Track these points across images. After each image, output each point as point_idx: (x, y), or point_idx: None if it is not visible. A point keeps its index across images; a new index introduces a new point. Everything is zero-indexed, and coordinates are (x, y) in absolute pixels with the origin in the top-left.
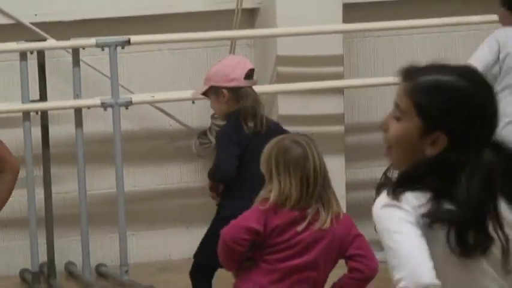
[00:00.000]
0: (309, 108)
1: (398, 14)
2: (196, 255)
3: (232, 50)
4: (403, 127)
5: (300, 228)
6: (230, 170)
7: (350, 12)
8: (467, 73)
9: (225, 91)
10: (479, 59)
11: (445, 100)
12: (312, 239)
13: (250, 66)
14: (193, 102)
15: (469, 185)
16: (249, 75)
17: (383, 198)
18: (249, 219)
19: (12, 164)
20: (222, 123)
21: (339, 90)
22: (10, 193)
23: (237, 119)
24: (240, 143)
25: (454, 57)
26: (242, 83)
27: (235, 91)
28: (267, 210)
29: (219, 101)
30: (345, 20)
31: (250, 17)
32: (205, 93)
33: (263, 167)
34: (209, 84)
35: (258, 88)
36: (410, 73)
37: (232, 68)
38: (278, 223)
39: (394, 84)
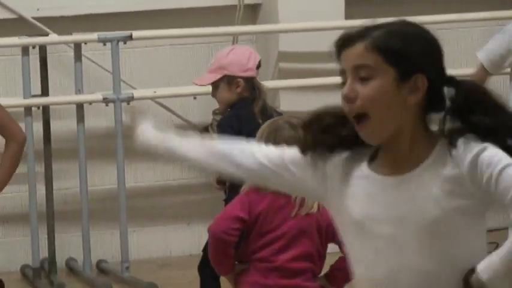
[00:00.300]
0: (310, 105)
1: (400, 10)
2: (205, 249)
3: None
4: (376, 84)
5: (293, 212)
6: None
7: (352, 8)
8: (411, 22)
9: (240, 81)
10: (487, 52)
11: (414, 41)
12: (301, 224)
13: (259, 57)
14: (194, 98)
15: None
16: (258, 66)
17: (491, 147)
18: (234, 208)
19: (16, 133)
20: None
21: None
22: (16, 164)
23: (241, 108)
24: (242, 132)
25: (458, 54)
26: (255, 73)
27: (249, 81)
28: (250, 196)
29: (231, 90)
30: (347, 16)
31: (252, 12)
32: (214, 82)
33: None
34: (223, 73)
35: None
36: (359, 34)
37: (247, 58)
38: (262, 208)
39: None
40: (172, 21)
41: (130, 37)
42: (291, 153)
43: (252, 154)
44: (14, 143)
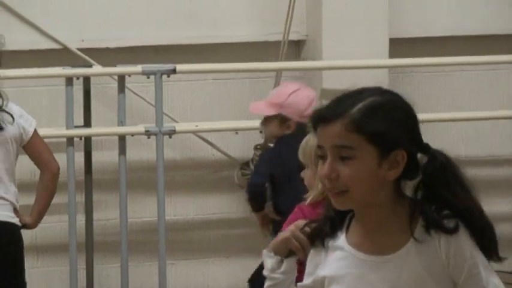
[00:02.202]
0: None
1: (443, 50)
2: (250, 280)
3: (277, 82)
4: (358, 164)
5: None
6: None
7: (397, 47)
8: (383, 90)
9: (292, 123)
10: None
11: (392, 117)
12: None
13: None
14: (236, 133)
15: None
16: None
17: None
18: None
19: (50, 163)
20: None
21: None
22: (51, 195)
23: (283, 144)
24: (282, 168)
25: (497, 95)
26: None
27: (300, 124)
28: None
29: (281, 128)
30: (392, 55)
31: (296, 49)
32: (268, 116)
33: (313, 160)
34: (279, 112)
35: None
36: (335, 112)
37: (306, 105)
38: None
39: (437, 120)
40: (216, 56)
41: (174, 70)
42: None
43: None
44: (47, 173)
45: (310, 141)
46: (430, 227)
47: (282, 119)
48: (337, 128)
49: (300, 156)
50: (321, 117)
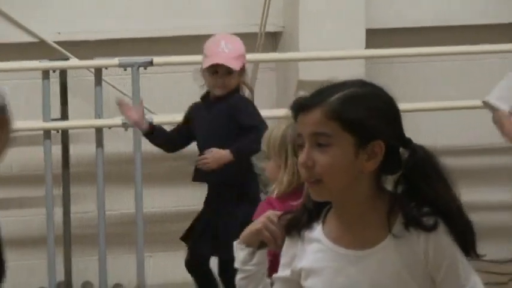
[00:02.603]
0: None
1: (419, 40)
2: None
3: (254, 73)
4: (334, 153)
5: None
6: None
7: (373, 38)
8: (364, 82)
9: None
10: None
11: (371, 106)
12: None
13: None
14: None
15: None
16: None
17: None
18: None
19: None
20: None
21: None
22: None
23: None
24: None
25: (479, 85)
26: None
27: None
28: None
29: (238, 78)
30: (368, 46)
31: (273, 40)
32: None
33: (277, 152)
34: (243, 62)
35: (278, 112)
36: (314, 100)
37: None
38: None
39: (413, 111)
40: (193, 48)
41: (151, 63)
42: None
43: None
44: None
45: (274, 131)
46: (409, 224)
47: (242, 68)
48: (315, 116)
49: (264, 147)
50: (301, 106)
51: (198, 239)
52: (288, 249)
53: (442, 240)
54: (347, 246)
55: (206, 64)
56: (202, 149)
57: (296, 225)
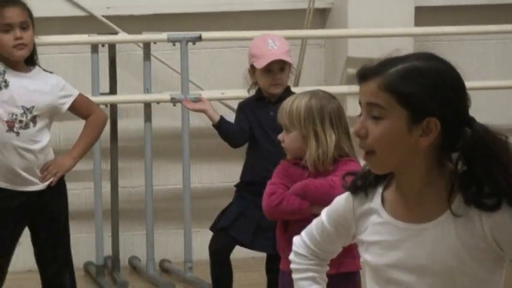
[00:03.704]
0: None
1: (468, 18)
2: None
3: (302, 50)
4: (387, 125)
5: None
6: None
7: (422, 15)
8: (432, 56)
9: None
10: None
11: (429, 83)
12: None
13: None
14: None
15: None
16: None
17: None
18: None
19: (98, 111)
20: None
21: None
22: (97, 134)
23: None
24: None
25: None
26: None
27: None
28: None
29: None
30: (417, 23)
31: (321, 17)
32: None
33: (302, 123)
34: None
35: (327, 88)
36: (374, 70)
37: None
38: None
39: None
40: (242, 24)
41: (199, 38)
42: (332, 220)
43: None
44: (96, 116)
45: (294, 102)
46: (468, 202)
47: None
48: (371, 86)
49: (281, 119)
50: (361, 75)
51: (240, 227)
52: (347, 206)
53: (506, 219)
54: (405, 219)
55: (262, 64)
56: (267, 150)
57: (363, 184)
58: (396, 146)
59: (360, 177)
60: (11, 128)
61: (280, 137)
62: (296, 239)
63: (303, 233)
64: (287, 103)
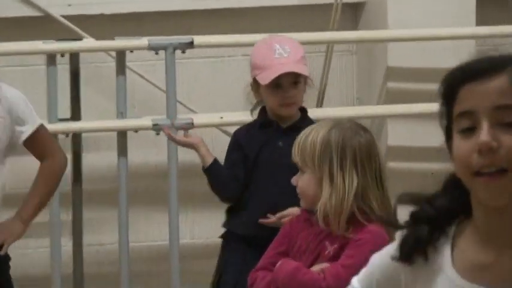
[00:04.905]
0: (428, 138)
1: None
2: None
3: (328, 58)
4: None
5: None
6: None
7: (485, 12)
8: None
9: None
10: None
11: None
12: None
13: None
14: None
15: None
16: None
17: None
18: None
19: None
20: None
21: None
22: (53, 185)
23: None
24: None
25: None
26: None
27: None
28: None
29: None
30: (479, 22)
31: (353, 14)
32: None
33: (317, 162)
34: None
35: (362, 110)
36: (490, 65)
37: None
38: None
39: None
40: (246, 24)
41: (191, 44)
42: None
43: None
44: (52, 162)
45: (310, 136)
46: None
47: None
48: (501, 83)
49: (295, 157)
50: (474, 71)
51: None
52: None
53: None
54: (489, 283)
55: (268, 78)
56: (271, 196)
57: (418, 244)
58: None
59: (412, 236)
60: None
61: (293, 180)
62: None
63: None
64: (302, 136)
